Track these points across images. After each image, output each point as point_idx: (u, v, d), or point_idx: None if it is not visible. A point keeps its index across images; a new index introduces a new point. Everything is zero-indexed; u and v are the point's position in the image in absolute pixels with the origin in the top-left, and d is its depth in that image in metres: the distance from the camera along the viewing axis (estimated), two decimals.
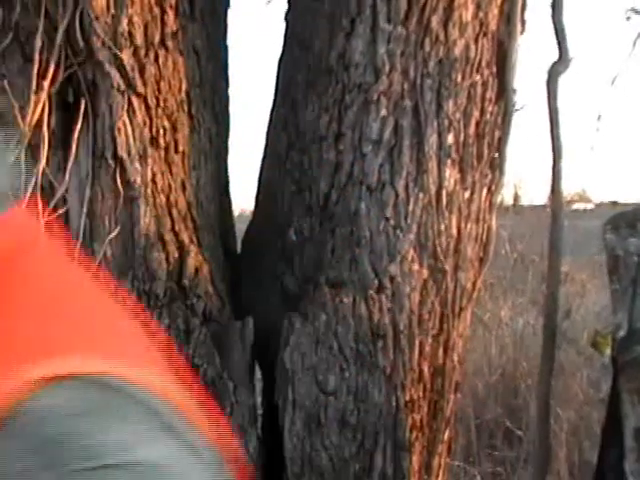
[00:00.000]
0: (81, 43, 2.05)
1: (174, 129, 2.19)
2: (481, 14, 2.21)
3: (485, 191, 2.31)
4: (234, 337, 2.17)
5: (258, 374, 2.32)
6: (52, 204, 2.09)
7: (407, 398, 2.19)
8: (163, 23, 2.16)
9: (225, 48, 2.47)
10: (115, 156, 2.09)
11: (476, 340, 4.87)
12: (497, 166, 2.33)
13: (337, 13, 2.20)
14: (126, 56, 2.08)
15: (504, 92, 2.31)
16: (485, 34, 2.24)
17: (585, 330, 5.43)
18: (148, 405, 0.61)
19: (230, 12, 2.48)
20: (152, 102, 2.13)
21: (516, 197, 7.56)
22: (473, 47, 2.22)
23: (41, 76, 2.03)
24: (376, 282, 2.16)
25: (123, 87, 2.08)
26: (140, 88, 2.10)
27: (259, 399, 2.34)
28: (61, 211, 2.09)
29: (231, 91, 2.49)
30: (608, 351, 2.17)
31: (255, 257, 2.39)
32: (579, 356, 5.13)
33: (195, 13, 2.25)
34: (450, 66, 2.20)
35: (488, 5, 2.22)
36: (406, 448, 2.20)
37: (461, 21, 2.19)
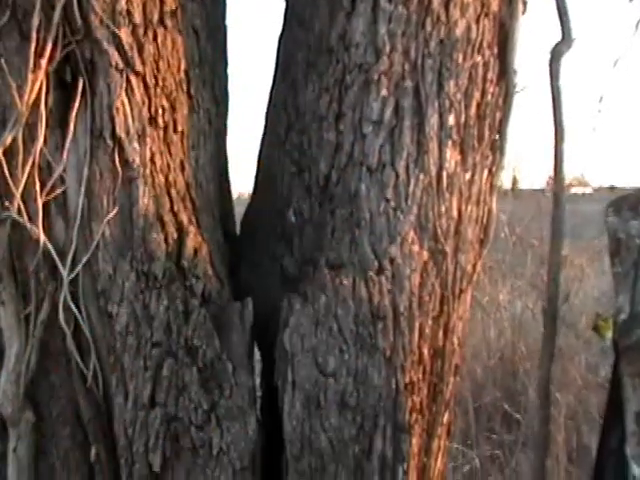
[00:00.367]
0: (79, 21, 2.03)
1: (173, 109, 2.17)
2: None
3: (486, 173, 2.30)
4: (233, 318, 2.16)
5: (257, 356, 2.31)
6: (50, 184, 2.08)
7: (407, 380, 2.18)
8: (162, 1, 2.14)
9: (224, 28, 2.45)
10: (113, 135, 2.08)
11: (475, 324, 4.87)
12: (498, 148, 2.32)
13: None
14: (124, 34, 2.06)
15: (505, 73, 2.29)
16: (487, 14, 2.22)
17: (583, 314, 5.43)
18: None
19: None
20: (151, 81, 2.11)
21: (514, 181, 7.54)
22: (474, 27, 2.20)
23: (38, 54, 2.01)
24: (376, 264, 2.15)
25: (121, 66, 2.06)
26: (139, 67, 2.09)
27: (258, 381, 2.33)
28: (59, 191, 2.08)
29: (230, 71, 2.47)
30: (609, 335, 2.15)
31: (254, 239, 2.37)
32: (577, 340, 5.14)
33: None
34: (451, 47, 2.19)
35: None
36: (406, 430, 2.19)
37: (462, 1, 2.18)
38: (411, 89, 2.18)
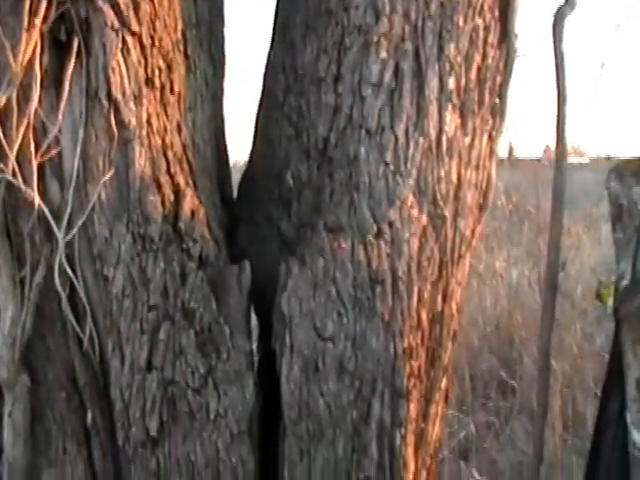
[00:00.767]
0: None
1: (169, 69, 2.14)
2: None
3: (486, 137, 2.28)
4: (231, 282, 2.14)
5: (255, 320, 2.29)
6: (45, 145, 2.05)
7: (405, 345, 2.17)
8: None
9: None
10: (109, 96, 2.04)
11: (471, 292, 4.86)
12: (498, 112, 2.30)
13: None
14: None
15: (506, 37, 2.27)
16: None
17: (580, 284, 5.43)
18: None
19: None
20: (147, 41, 2.08)
21: (511, 150, 7.51)
22: None
23: (33, 14, 1.97)
24: (375, 227, 2.13)
25: (117, 25, 2.03)
26: (135, 27, 2.05)
27: (255, 345, 2.32)
28: (54, 152, 2.05)
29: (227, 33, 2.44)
30: (611, 302, 2.14)
31: (252, 202, 2.35)
32: (573, 309, 5.14)
33: None
34: (452, 9, 2.16)
35: None
36: (404, 395, 2.18)
37: None
38: (411, 52, 2.15)
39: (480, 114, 2.25)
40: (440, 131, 2.18)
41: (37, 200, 2.03)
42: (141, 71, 2.08)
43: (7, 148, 2.00)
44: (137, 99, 2.07)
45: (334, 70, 2.17)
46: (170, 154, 2.14)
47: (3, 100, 1.98)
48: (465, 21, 2.18)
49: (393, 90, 2.15)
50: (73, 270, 2.09)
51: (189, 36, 2.20)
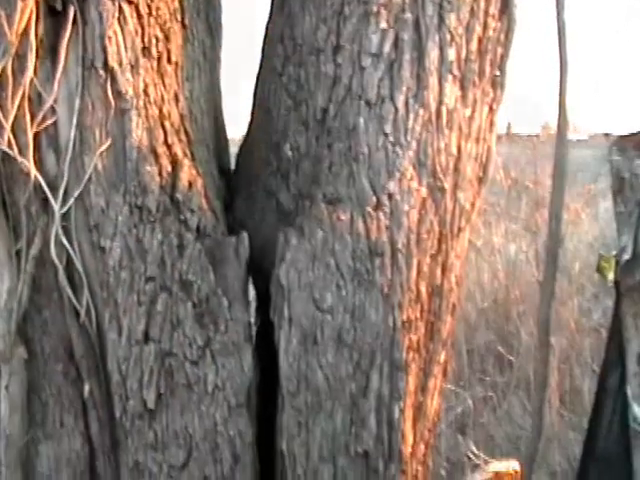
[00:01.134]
0: None
1: (167, 39, 2.12)
2: None
3: (486, 110, 2.26)
4: (229, 253, 2.13)
5: (252, 292, 2.28)
6: (40, 115, 2.03)
7: (404, 318, 2.16)
8: None
9: None
10: (106, 66, 2.03)
11: (469, 266, 4.85)
12: (498, 85, 2.27)
13: None
14: None
15: (507, 8, 2.24)
16: None
17: (577, 259, 5.43)
18: None
19: None
20: (144, 10, 2.06)
21: (509, 125, 7.49)
22: None
23: None
24: (374, 199, 2.12)
25: None
26: None
27: (253, 318, 2.31)
28: (50, 121, 2.03)
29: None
30: (611, 276, 2.13)
31: (249, 173, 2.34)
32: (571, 285, 5.14)
33: None
34: None
35: None
36: (402, 368, 2.17)
37: None
38: (411, 22, 2.13)
39: (481, 86, 2.23)
40: (440, 102, 2.16)
41: (33, 171, 2.02)
42: (138, 40, 2.06)
43: (2, 118, 1.98)
44: (134, 69, 2.06)
45: (333, 40, 2.15)
46: (167, 124, 2.12)
47: None
48: None
49: (393, 61, 2.13)
50: (69, 241, 2.08)
51: (186, 5, 2.18)
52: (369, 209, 2.12)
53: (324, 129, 2.17)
